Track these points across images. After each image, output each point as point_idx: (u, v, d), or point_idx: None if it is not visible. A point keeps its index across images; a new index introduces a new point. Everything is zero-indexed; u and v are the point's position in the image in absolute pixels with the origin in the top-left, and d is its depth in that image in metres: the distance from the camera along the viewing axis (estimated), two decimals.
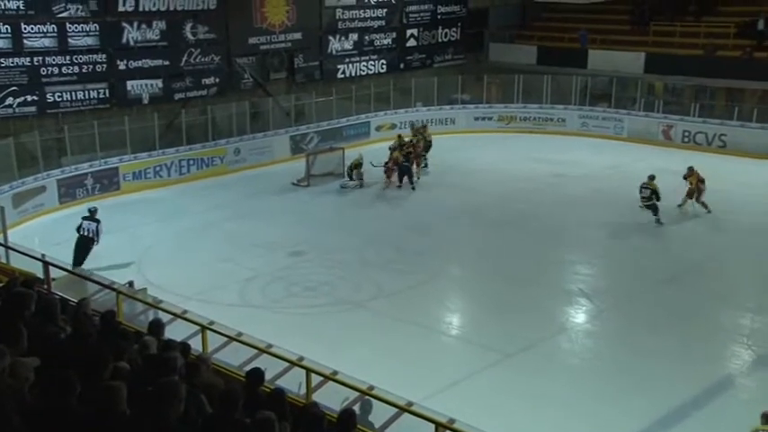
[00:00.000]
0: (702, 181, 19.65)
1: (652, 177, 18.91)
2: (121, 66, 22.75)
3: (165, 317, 9.03)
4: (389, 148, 23.23)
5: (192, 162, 23.40)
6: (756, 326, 13.73)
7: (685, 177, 19.87)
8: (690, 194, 19.66)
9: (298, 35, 27.07)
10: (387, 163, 22.48)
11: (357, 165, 22.60)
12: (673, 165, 22.20)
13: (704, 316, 14.07)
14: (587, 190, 21.80)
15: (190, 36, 24.24)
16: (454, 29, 32.27)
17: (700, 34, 28.80)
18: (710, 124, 25.73)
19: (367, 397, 7.44)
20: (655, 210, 18.68)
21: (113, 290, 9.87)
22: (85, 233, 15.85)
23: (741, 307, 14.54)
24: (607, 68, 29.39)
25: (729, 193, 21.03)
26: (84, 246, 15.77)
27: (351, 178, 22.64)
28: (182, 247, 17.83)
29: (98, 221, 16.02)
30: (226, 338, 8.64)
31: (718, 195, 20.51)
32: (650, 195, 18.67)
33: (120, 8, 22.39)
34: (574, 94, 29.37)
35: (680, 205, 19.74)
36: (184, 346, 7.54)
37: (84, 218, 16.13)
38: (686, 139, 26.09)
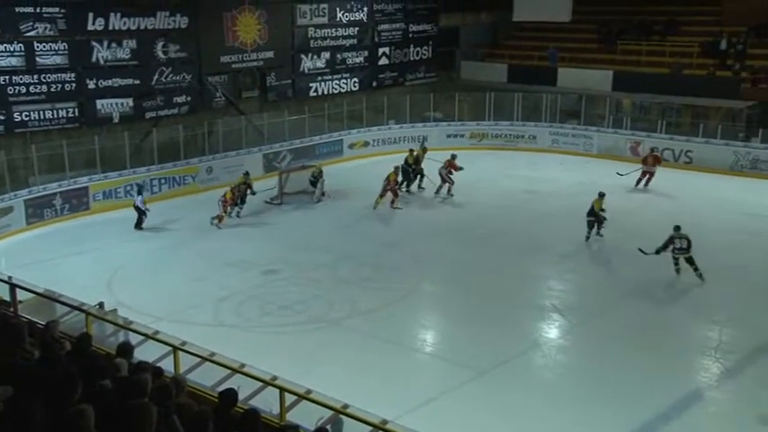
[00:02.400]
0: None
1: (602, 195, 19.06)
2: (91, 85, 22.63)
3: (136, 338, 8.94)
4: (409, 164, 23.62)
5: (163, 181, 23.25)
6: (724, 339, 13.92)
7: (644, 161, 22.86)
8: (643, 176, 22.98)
9: (270, 54, 27.15)
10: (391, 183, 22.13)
11: (318, 174, 22.91)
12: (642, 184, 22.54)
13: (674, 330, 14.25)
14: (559, 206, 22.01)
15: (161, 55, 24.19)
16: (426, 47, 32.58)
17: (665, 53, 29.43)
18: (677, 141, 26.16)
19: (340, 416, 7.41)
20: (598, 224, 18.82)
21: (82, 311, 9.74)
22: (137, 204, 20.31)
23: (709, 320, 14.75)
24: (576, 86, 29.82)
25: (697, 209, 21.39)
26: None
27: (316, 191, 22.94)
28: (153, 267, 17.70)
29: (141, 194, 20.78)
30: (198, 359, 8.57)
31: (685, 210, 20.88)
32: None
33: (90, 27, 22.32)
34: (544, 112, 29.69)
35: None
36: (156, 368, 7.47)
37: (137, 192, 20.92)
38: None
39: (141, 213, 20.18)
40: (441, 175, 22.93)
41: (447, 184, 22.90)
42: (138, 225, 20.20)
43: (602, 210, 18.83)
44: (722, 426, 11.23)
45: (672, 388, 11.93)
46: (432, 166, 23.27)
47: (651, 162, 23.89)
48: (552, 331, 14.48)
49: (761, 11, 27.86)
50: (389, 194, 22.00)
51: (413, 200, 22.91)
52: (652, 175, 23.68)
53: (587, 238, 18.86)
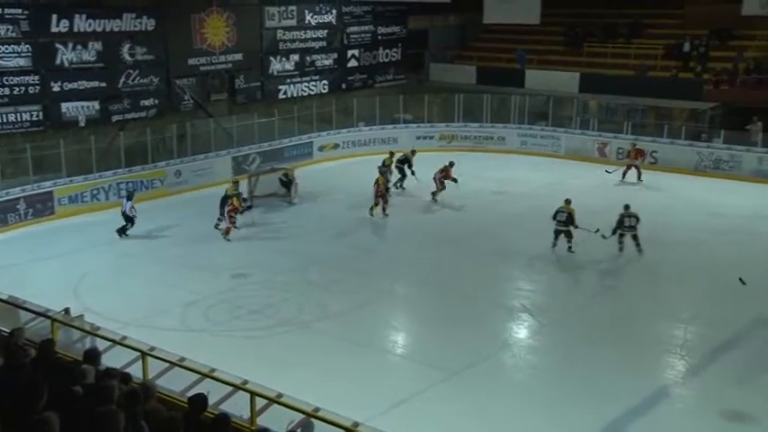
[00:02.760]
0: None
1: (568, 201, 18.28)
2: (55, 87, 22.35)
3: (103, 344, 8.83)
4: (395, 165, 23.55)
5: (131, 185, 22.98)
6: (689, 336, 14.15)
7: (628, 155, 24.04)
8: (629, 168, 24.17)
9: (238, 56, 27.02)
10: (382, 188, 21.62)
11: (289, 176, 22.90)
12: (607, 182, 22.82)
13: (640, 328, 14.43)
14: (528, 207, 22.19)
15: (127, 57, 23.96)
16: (395, 49, 32.67)
17: (630, 55, 29.88)
18: (643, 141, 26.48)
19: (311, 419, 7.40)
20: (569, 236, 17.99)
21: (48, 318, 9.60)
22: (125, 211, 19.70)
23: (675, 318, 14.97)
24: (544, 88, 30.14)
25: (663, 208, 21.72)
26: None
27: (287, 190, 22.87)
28: (121, 272, 17.50)
29: (130, 199, 19.98)
30: (167, 364, 8.49)
31: (651, 210, 21.16)
32: (566, 220, 17.95)
33: (54, 29, 22.03)
34: (513, 113, 29.93)
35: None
36: (124, 374, 7.40)
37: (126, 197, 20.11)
38: (620, 156, 26.82)
39: (128, 220, 19.64)
40: (435, 180, 22.87)
41: (438, 190, 22.88)
42: (123, 231, 19.62)
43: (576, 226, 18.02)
44: (688, 422, 11.40)
45: (639, 386, 12.09)
46: (422, 170, 23.25)
47: (634, 156, 24.83)
48: (522, 332, 14.59)
49: (721, 15, 28.39)
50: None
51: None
52: (637, 167, 24.56)
53: (570, 248, 18.08)
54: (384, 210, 21.22)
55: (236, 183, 21.12)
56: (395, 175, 23.75)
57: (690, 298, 16.11)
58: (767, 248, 18.33)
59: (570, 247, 17.99)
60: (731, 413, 11.33)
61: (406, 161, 24.18)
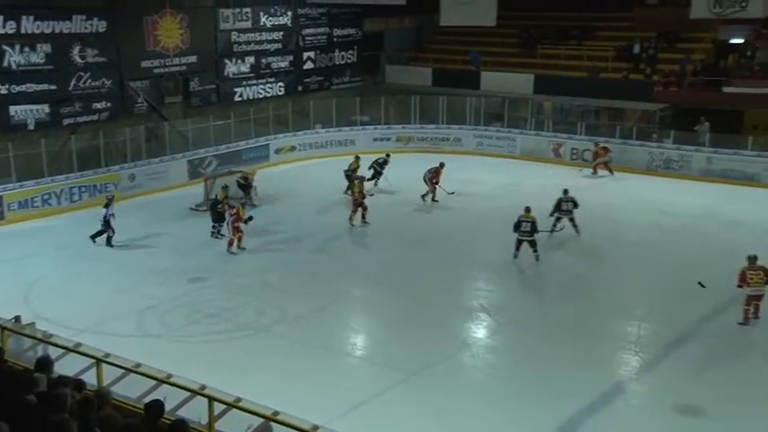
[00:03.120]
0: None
1: (529, 210, 17.85)
2: (3, 90, 21.85)
3: (56, 352, 8.66)
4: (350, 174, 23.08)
5: (83, 189, 22.59)
6: (643, 333, 14.42)
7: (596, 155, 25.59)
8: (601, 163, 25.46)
9: (193, 58, 26.76)
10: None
11: (247, 180, 22.69)
12: (563, 181, 23.11)
13: (596, 326, 14.68)
14: (484, 208, 22.40)
15: (78, 59, 23.55)
16: (351, 51, 32.69)
17: (582, 57, 30.41)
18: (597, 142, 26.90)
19: (270, 423, 7.36)
20: (534, 245, 17.71)
21: None
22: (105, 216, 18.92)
23: (629, 315, 15.23)
24: (499, 89, 30.48)
25: (616, 208, 22.12)
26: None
27: (244, 196, 22.60)
28: (73, 278, 17.15)
29: (108, 207, 19.03)
30: (123, 370, 8.36)
31: (604, 209, 21.59)
32: (531, 229, 17.58)
33: (0, 30, 21.51)
34: (469, 115, 30.18)
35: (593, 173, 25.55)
36: (78, 382, 7.27)
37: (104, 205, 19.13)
38: (575, 157, 27.25)
39: (107, 227, 18.92)
40: (425, 181, 22.94)
41: (428, 192, 22.99)
42: (96, 236, 18.98)
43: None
44: (643, 417, 11.63)
45: (596, 382, 12.29)
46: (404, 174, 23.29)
47: (603, 153, 25.89)
48: (480, 331, 14.71)
49: (669, 18, 29.13)
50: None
51: (337, 204, 22.83)
52: (606, 164, 25.91)
53: (537, 257, 17.72)
54: (364, 217, 20.79)
55: (225, 188, 20.71)
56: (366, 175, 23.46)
57: (643, 295, 16.42)
58: (716, 247, 18.76)
59: (537, 256, 17.69)
60: (684, 407, 11.57)
61: (384, 163, 24.22)
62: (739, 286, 14.45)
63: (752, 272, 14.40)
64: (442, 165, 23.12)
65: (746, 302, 14.48)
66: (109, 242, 19.03)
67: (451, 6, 23.71)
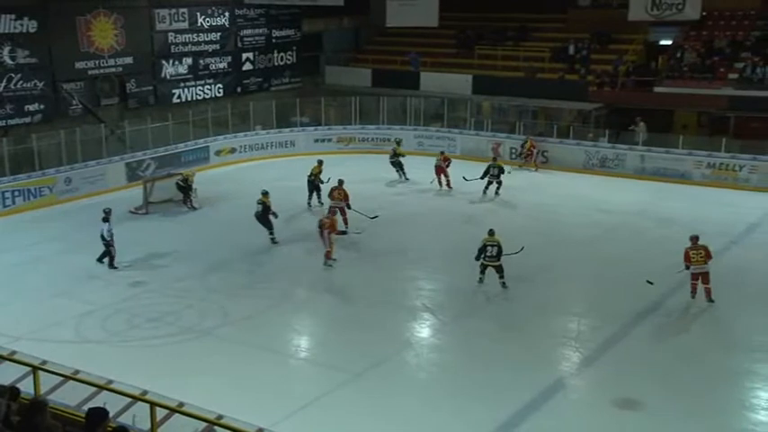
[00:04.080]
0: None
1: (492, 232, 16.47)
2: None
3: None
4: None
5: (17, 193, 21.96)
6: (582, 329, 14.77)
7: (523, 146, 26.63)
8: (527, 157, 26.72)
9: (129, 59, 26.29)
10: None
11: (186, 182, 22.42)
12: (504, 180, 23.51)
13: (537, 323, 14.95)
14: (426, 207, 22.60)
15: (8, 60, 22.91)
16: (290, 52, 32.55)
17: (519, 58, 30.90)
18: (537, 142, 27.40)
19: (214, 427, 7.33)
20: (501, 270, 16.29)
21: None
22: (100, 233, 17.45)
23: (569, 312, 15.59)
24: (438, 90, 30.79)
25: (554, 206, 22.57)
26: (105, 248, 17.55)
27: (184, 199, 22.38)
28: (8, 284, 16.65)
29: (107, 221, 17.49)
30: (61, 378, 8.21)
31: (543, 207, 22.03)
32: (497, 254, 16.21)
33: None
34: (409, 115, 30.39)
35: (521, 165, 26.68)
36: (13, 390, 7.11)
37: (102, 219, 17.62)
38: (513, 156, 27.69)
39: (107, 245, 17.47)
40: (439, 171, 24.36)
41: (444, 178, 24.20)
42: (103, 258, 17.54)
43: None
44: (584, 411, 11.91)
45: (537, 378, 12.52)
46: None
47: (532, 146, 26.85)
48: (424, 331, 14.83)
49: (599, 20, 29.93)
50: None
51: (285, 208, 22.71)
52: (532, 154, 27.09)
53: (504, 284, 16.34)
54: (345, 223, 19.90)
55: (265, 194, 19.52)
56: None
57: (583, 292, 16.82)
58: (652, 243, 19.31)
59: (504, 283, 16.30)
60: (624, 401, 11.85)
61: (320, 173, 22.72)
62: (686, 267, 15.41)
63: (694, 251, 15.38)
64: (442, 153, 24.87)
65: (693, 278, 15.48)
66: (111, 263, 17.53)
67: (396, 7, 24.00)
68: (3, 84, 22.79)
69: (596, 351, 13.71)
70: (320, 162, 23.03)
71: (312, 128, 30.00)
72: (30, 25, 23.24)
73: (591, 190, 24.44)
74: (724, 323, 15.06)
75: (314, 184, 22.46)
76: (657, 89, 27.60)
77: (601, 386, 12.58)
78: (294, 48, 32.69)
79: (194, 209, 22.26)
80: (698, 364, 13.23)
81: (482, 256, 16.30)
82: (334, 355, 13.57)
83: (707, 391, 12.27)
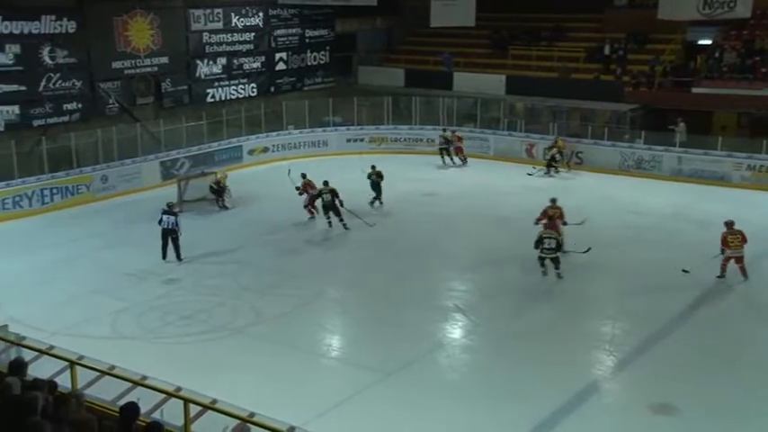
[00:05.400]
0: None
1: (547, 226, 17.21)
2: None
3: (29, 354, 8.58)
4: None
5: (55, 191, 22.34)
6: (616, 332, 14.57)
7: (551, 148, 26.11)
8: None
9: (164, 59, 26.58)
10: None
11: (219, 185, 22.58)
12: (536, 182, 23.36)
13: (570, 325, 14.80)
14: (458, 208, 22.49)
15: (48, 60, 23.28)
16: (323, 52, 32.66)
17: (553, 58, 30.64)
18: (568, 142, 27.18)
19: (246, 424, 7.35)
20: (557, 262, 16.83)
21: None
22: (166, 226, 17.67)
23: (603, 315, 15.42)
24: (471, 90, 30.63)
25: (587, 208, 22.26)
26: (165, 237, 17.76)
27: (223, 198, 22.54)
28: (47, 280, 16.96)
29: (176, 214, 17.83)
30: (97, 373, 8.30)
31: (578, 211, 21.73)
32: (556, 247, 16.75)
33: None
34: (441, 115, 30.30)
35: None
36: (51, 384, 7.21)
37: (164, 211, 17.84)
38: (547, 157, 27.44)
39: (169, 233, 17.72)
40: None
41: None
42: (178, 254, 17.89)
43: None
44: (618, 415, 11.75)
45: (570, 381, 12.38)
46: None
47: (562, 146, 26.65)
48: (456, 331, 14.77)
49: (637, 20, 29.51)
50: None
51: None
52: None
53: (560, 274, 16.79)
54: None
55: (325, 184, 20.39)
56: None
57: (617, 295, 16.60)
58: (686, 245, 19.01)
59: (559, 273, 16.77)
60: (659, 406, 11.67)
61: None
62: (722, 251, 16.13)
63: (731, 236, 16.07)
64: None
65: (726, 260, 16.20)
66: (178, 255, 17.92)
67: (439, 8, 24.18)
68: (42, 83, 23.17)
69: (630, 354, 13.53)
70: (373, 167, 22.88)
71: (344, 128, 30.06)
72: (69, 26, 23.61)
73: (626, 191, 24.13)
74: (762, 329, 14.74)
75: (377, 184, 22.44)
76: (695, 90, 27.18)
77: (635, 390, 12.41)
78: (327, 48, 32.79)
79: (226, 208, 22.42)
80: (734, 369, 12.99)
81: (540, 247, 16.81)
82: (366, 354, 13.57)
83: (743, 396, 12.03)
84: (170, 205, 18.18)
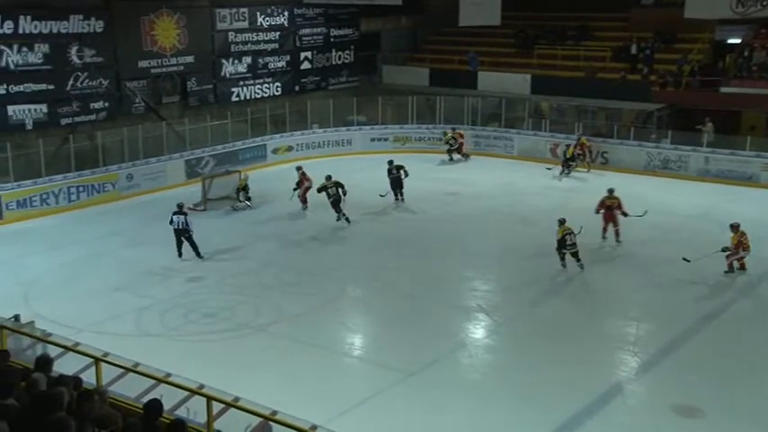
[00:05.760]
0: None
1: (563, 221, 17.27)
2: (1, 90, 21.83)
3: (54, 351, 8.67)
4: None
5: (81, 189, 22.60)
6: (641, 333, 14.45)
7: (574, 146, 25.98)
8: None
9: (190, 58, 26.75)
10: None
11: (243, 187, 22.69)
12: (560, 182, 23.20)
13: (594, 326, 14.70)
14: (482, 207, 22.41)
15: (76, 59, 23.53)
16: (348, 51, 32.68)
17: (579, 57, 30.40)
18: (593, 142, 26.97)
19: (269, 422, 7.38)
20: (578, 254, 17.16)
21: None
22: (177, 226, 17.84)
23: (626, 316, 15.27)
24: (496, 89, 30.48)
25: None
26: (178, 237, 18.00)
27: (239, 200, 22.62)
28: (72, 278, 17.17)
29: (185, 214, 17.99)
30: (122, 370, 8.38)
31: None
32: (575, 241, 17.06)
33: None
34: (466, 115, 30.19)
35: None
36: (76, 380, 7.28)
37: (174, 212, 17.98)
38: (566, 155, 27.20)
39: (182, 233, 17.97)
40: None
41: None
42: (197, 251, 18.10)
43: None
44: (641, 417, 11.64)
45: (594, 382, 12.30)
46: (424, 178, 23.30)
47: (584, 145, 26.42)
48: (478, 331, 14.72)
49: (664, 19, 29.16)
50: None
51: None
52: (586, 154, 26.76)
53: (582, 265, 17.17)
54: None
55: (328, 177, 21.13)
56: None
57: (641, 295, 16.43)
58: (712, 246, 18.75)
59: (581, 265, 17.13)
60: (683, 408, 11.58)
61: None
62: (744, 251, 16.66)
63: (744, 238, 16.60)
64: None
65: (733, 258, 16.68)
66: (196, 250, 18.18)
67: (467, 7, 24.13)
68: (70, 82, 23.43)
69: (654, 356, 13.41)
70: (391, 161, 23.22)
71: (369, 127, 30.07)
72: (96, 25, 23.85)
73: (652, 191, 23.82)
74: None
75: (397, 179, 22.61)
76: (724, 89, 26.83)
77: (659, 392, 12.28)
78: (352, 47, 32.82)
79: (249, 207, 22.50)
80: (760, 371, 12.84)
81: (565, 245, 16.97)
82: (388, 353, 13.57)
83: None
84: (180, 206, 18.25)
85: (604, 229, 19.29)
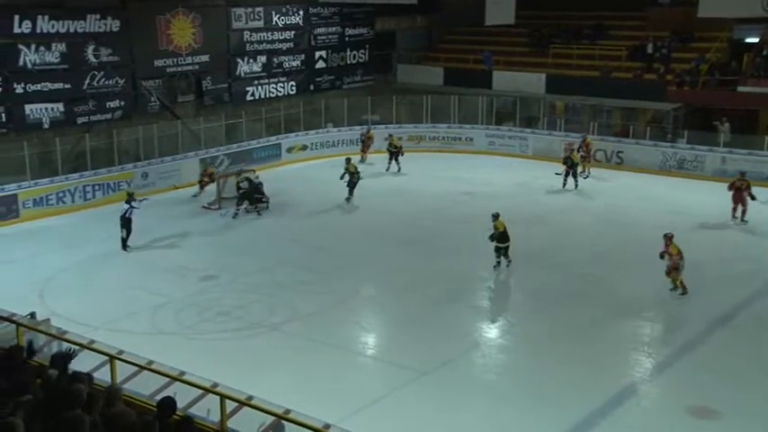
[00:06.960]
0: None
1: (497, 216, 17.47)
2: (19, 89, 21.99)
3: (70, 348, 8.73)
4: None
5: (97, 187, 22.75)
6: (655, 334, 14.38)
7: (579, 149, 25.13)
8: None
9: (205, 57, 26.85)
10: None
11: (241, 183, 22.51)
12: (582, 181, 23.09)
13: (607, 327, 14.62)
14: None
15: (92, 58, 23.67)
16: (362, 51, 32.69)
17: (595, 57, 30.24)
18: (608, 142, 26.86)
19: (282, 421, 7.39)
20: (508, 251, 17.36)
21: (13, 322, 9.46)
22: (123, 213, 18.60)
23: (640, 317, 15.19)
24: (510, 89, 30.39)
25: (627, 208, 22.01)
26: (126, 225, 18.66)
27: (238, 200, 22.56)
28: (87, 276, 17.29)
29: (129, 203, 18.61)
30: (136, 368, 8.42)
31: (617, 209, 21.49)
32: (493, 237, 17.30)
33: (16, 30, 21.69)
34: (480, 114, 30.13)
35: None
36: (90, 378, 7.33)
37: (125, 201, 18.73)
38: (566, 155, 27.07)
39: (128, 225, 18.61)
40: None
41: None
42: (125, 243, 18.70)
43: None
44: (655, 418, 11.58)
45: (608, 383, 12.25)
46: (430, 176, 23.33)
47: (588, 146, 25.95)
48: (492, 331, 14.70)
49: (681, 18, 28.93)
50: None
51: (351, 205, 22.87)
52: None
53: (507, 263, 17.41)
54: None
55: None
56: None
57: (656, 296, 16.32)
58: (728, 247, 18.65)
59: (510, 262, 17.42)
60: (698, 409, 11.50)
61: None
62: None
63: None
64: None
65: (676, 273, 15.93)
66: (124, 245, 18.68)
67: (490, 6, 24.18)
68: (86, 81, 23.58)
69: (669, 357, 13.35)
70: (390, 135, 25.51)
71: (383, 126, 30.05)
72: (113, 25, 23.98)
73: (667, 191, 23.74)
74: None
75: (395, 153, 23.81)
76: (741, 89, 26.59)
77: (674, 393, 12.22)
78: (367, 46, 32.82)
79: (264, 205, 22.49)
80: None
81: (507, 239, 17.15)
82: (401, 352, 13.56)
83: None
84: (129, 193, 19.21)
85: (734, 209, 20.36)
